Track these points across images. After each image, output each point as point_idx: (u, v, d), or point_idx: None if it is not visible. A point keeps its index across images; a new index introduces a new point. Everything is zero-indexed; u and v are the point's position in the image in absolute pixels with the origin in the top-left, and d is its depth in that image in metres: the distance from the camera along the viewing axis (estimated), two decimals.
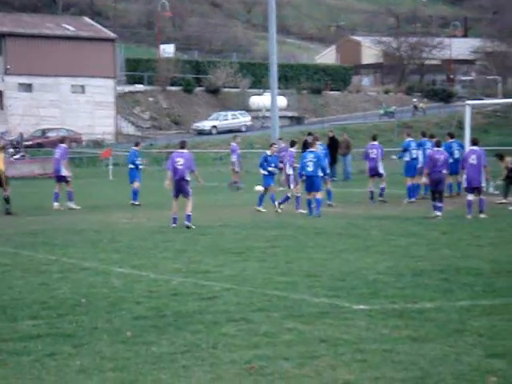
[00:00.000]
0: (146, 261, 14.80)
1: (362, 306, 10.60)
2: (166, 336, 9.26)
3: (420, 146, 26.97)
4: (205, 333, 9.38)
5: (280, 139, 35.38)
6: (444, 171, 21.75)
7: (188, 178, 20.25)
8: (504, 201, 25.05)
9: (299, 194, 24.01)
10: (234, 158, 34.04)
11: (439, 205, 21.52)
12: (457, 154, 26.86)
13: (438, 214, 21.32)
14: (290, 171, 24.60)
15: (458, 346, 8.63)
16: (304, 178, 22.60)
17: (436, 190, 21.72)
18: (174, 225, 20.14)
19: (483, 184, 21.85)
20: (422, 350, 8.49)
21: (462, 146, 27.83)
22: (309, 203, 22.54)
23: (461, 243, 16.55)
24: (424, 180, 22.66)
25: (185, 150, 20.58)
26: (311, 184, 22.44)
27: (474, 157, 21.63)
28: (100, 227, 20.35)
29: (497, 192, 26.77)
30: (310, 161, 22.36)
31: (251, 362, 8.17)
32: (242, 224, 20.40)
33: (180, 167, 20.09)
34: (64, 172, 26.13)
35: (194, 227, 19.72)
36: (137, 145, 29.00)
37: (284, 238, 17.67)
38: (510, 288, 11.66)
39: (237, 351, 8.59)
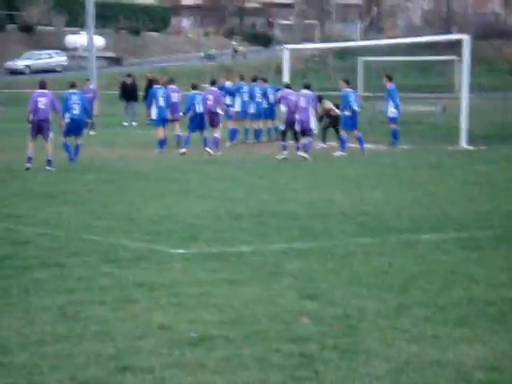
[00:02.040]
0: None
1: (179, 250, 10.55)
2: None
3: (238, 90, 27.33)
4: (15, 278, 9.08)
5: (88, 80, 34.53)
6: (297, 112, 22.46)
7: (49, 119, 19.61)
8: (323, 145, 25.64)
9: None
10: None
11: (300, 145, 22.25)
12: (271, 99, 27.30)
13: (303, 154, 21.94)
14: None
15: (273, 289, 8.73)
16: (68, 120, 21.09)
17: (292, 131, 22.51)
18: (28, 165, 19.33)
19: (312, 126, 22.53)
20: (238, 293, 8.54)
21: (277, 91, 28.29)
22: (66, 146, 21.24)
23: (278, 187, 16.81)
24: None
25: (46, 90, 19.84)
26: (76, 127, 21.26)
27: (304, 100, 22.28)
28: None
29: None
30: (76, 103, 21.17)
31: (65, 308, 7.97)
32: (58, 166, 19.81)
33: (43, 107, 19.39)
34: None
35: (53, 170, 19.14)
36: None
37: (101, 182, 17.35)
38: (325, 231, 11.93)
39: (50, 296, 8.36)
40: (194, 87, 24.32)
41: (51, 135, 19.74)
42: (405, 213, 13.51)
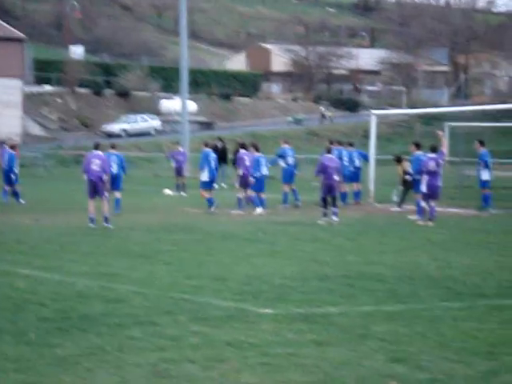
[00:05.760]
0: (51, 263, 14.61)
1: (267, 310, 10.71)
2: (71, 338, 9.19)
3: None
4: (110, 335, 9.34)
5: (177, 143, 36.28)
6: (336, 178, 22.23)
7: (104, 179, 20.45)
8: (398, 209, 25.44)
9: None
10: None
11: (335, 210, 22.13)
12: (357, 163, 27.63)
13: (336, 219, 21.86)
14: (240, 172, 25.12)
15: (361, 351, 8.80)
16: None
17: (330, 196, 22.28)
18: (91, 224, 20.12)
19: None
20: (326, 354, 8.63)
21: (363, 156, 28.64)
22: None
23: (365, 249, 16.86)
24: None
25: (100, 152, 20.77)
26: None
27: (433, 164, 21.70)
28: (4, 228, 19.98)
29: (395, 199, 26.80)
30: (114, 162, 23.11)
31: (157, 365, 8.17)
32: (150, 227, 20.32)
33: (96, 168, 20.23)
34: None
35: (112, 228, 19.90)
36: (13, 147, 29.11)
37: (192, 242, 17.69)
38: (412, 294, 11.94)
39: (142, 354, 8.59)
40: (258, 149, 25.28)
41: (107, 194, 20.66)
42: (492, 278, 13.40)
